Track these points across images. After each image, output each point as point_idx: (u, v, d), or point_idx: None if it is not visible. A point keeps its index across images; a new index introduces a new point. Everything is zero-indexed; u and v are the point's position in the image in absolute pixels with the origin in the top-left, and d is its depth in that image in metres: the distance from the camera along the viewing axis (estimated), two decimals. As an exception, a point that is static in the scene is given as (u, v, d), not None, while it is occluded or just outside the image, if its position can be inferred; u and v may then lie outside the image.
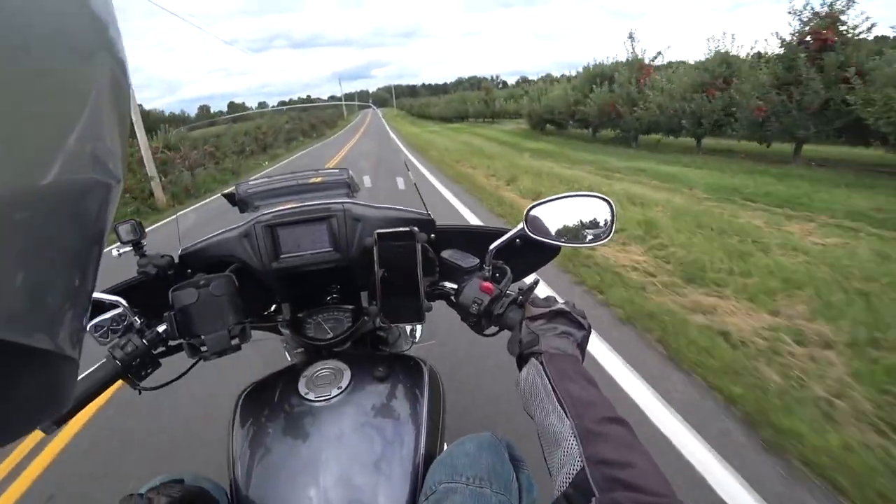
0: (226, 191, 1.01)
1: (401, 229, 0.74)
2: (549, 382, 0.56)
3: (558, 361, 0.59)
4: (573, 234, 0.80)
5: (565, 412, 0.51)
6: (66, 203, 0.21)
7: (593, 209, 0.81)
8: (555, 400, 0.53)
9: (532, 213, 0.80)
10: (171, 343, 0.76)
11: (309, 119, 33.90)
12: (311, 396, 0.77)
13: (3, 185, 0.17)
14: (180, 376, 0.82)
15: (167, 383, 0.79)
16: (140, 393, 0.74)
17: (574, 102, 14.95)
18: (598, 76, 13.79)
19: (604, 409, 0.51)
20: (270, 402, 0.78)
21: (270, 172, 1.07)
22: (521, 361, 0.64)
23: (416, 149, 14.66)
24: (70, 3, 0.21)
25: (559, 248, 0.88)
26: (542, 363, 0.59)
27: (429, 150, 13.36)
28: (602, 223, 0.80)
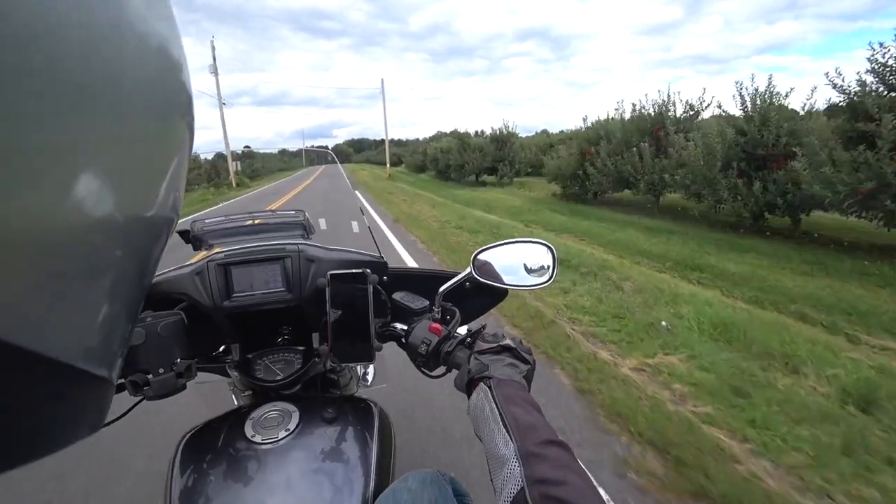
0: (179, 229, 1.00)
1: (353, 271, 0.76)
2: (497, 406, 0.58)
3: (505, 387, 0.62)
4: (518, 276, 0.85)
5: (510, 435, 0.53)
6: (148, 235, 0.24)
7: (536, 254, 0.86)
8: (501, 423, 0.56)
9: (479, 257, 0.84)
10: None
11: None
12: (257, 439, 0.75)
13: (118, 212, 0.19)
14: (121, 416, 0.77)
15: (105, 425, 0.75)
16: None
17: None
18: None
19: (545, 432, 0.54)
20: (214, 446, 0.76)
21: (227, 212, 1.08)
22: (471, 388, 0.66)
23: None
24: (174, 80, 0.25)
25: (506, 291, 0.92)
26: (490, 387, 0.62)
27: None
28: (545, 266, 0.86)
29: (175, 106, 0.25)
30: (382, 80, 24.47)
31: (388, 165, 31.23)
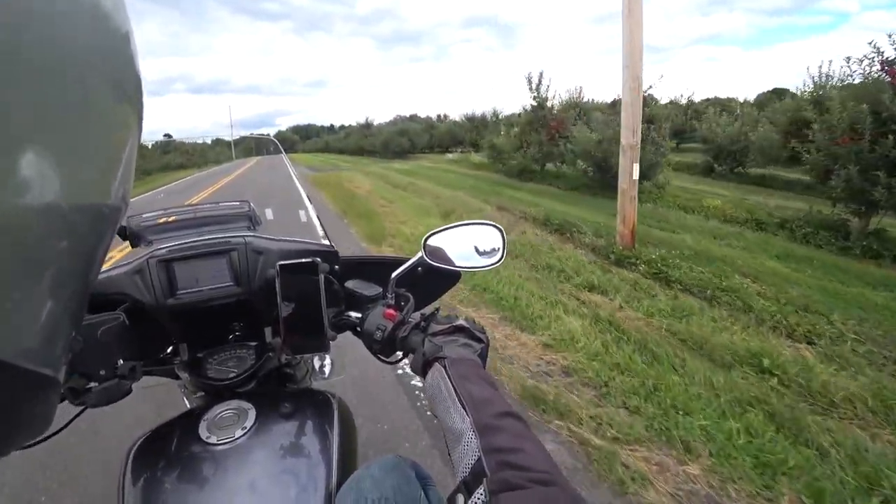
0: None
1: (303, 260, 0.75)
2: (451, 384, 0.60)
3: (459, 365, 0.63)
4: (469, 258, 0.87)
5: (465, 410, 0.55)
6: (94, 224, 0.23)
7: (486, 236, 0.88)
8: (456, 400, 0.57)
9: (430, 241, 0.85)
10: None
11: None
12: (212, 440, 0.73)
13: (62, 200, 0.18)
14: (61, 429, 0.73)
15: (43, 439, 0.70)
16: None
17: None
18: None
19: (500, 405, 0.55)
20: (167, 451, 0.72)
21: (166, 205, 1.03)
22: (426, 368, 0.67)
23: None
24: (121, 59, 0.24)
25: (459, 273, 0.94)
26: (444, 367, 0.63)
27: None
28: (495, 247, 0.88)
29: (122, 87, 0.24)
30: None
31: (634, 166, 4.69)
